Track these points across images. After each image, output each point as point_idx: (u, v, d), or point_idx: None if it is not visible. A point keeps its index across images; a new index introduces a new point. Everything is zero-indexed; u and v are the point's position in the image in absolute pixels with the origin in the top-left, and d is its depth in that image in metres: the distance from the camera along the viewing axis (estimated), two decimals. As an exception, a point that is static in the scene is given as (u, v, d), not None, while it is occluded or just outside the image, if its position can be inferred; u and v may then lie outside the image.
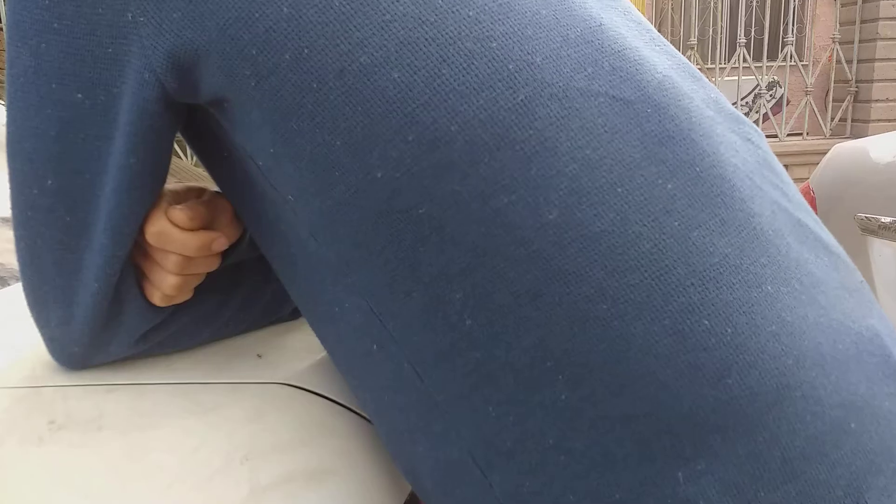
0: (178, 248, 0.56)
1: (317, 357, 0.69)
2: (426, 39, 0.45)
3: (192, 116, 0.53)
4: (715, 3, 4.66)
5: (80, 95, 0.49)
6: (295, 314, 0.75)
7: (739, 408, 0.45)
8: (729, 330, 0.45)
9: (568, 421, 0.46)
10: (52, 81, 0.49)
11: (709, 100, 0.54)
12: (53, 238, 0.54)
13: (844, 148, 1.90)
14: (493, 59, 0.46)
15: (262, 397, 0.63)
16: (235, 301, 0.67)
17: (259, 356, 0.68)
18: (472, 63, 0.45)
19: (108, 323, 0.58)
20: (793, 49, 4.30)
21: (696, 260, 0.46)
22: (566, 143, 0.45)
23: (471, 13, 0.46)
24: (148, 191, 0.53)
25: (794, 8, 4.48)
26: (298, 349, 0.70)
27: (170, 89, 0.48)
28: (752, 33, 4.76)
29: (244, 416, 0.61)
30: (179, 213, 0.55)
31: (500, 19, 0.47)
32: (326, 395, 0.66)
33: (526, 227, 0.45)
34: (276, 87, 0.46)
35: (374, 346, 0.52)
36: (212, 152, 0.56)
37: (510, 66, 0.46)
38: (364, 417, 0.66)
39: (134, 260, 0.57)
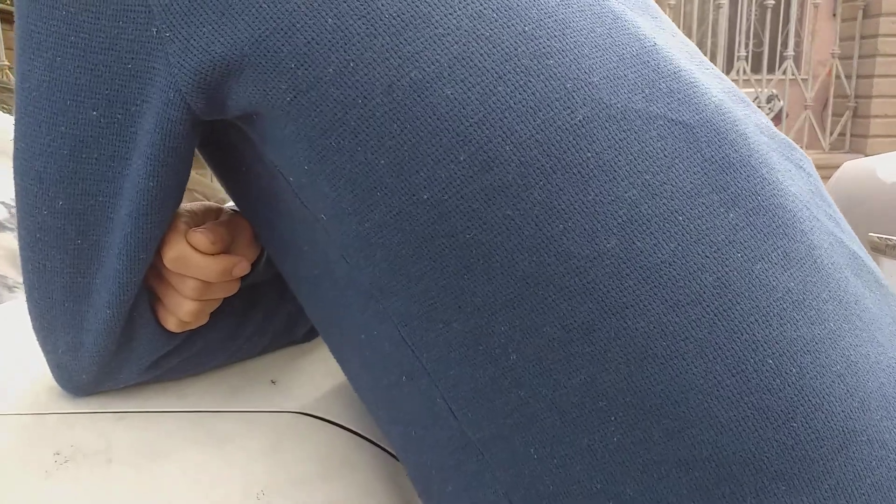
0: (198, 274, 0.53)
1: (334, 383, 0.66)
2: (481, 55, 0.42)
3: (209, 126, 0.49)
4: (714, 15, 4.66)
5: (95, 113, 0.46)
6: (309, 336, 0.72)
7: (805, 453, 0.42)
8: (794, 370, 0.42)
9: (619, 465, 0.43)
10: (67, 97, 0.46)
11: (761, 125, 0.51)
12: (63, 262, 0.50)
13: (852, 166, 1.88)
14: (551, 77, 0.43)
15: (278, 427, 0.60)
16: (251, 324, 0.64)
17: (273, 382, 0.64)
18: (529, 81, 0.42)
19: (118, 349, 0.54)
20: (792, 63, 4.29)
21: (760, 294, 0.43)
22: (625, 168, 0.42)
23: (527, 28, 0.44)
24: (166, 214, 0.50)
25: (794, 22, 4.48)
26: (314, 374, 0.67)
27: (196, 109, 0.45)
28: (751, 46, 4.75)
29: (260, 449, 0.57)
30: (201, 237, 0.52)
31: (556, 36, 0.44)
32: (346, 425, 0.62)
33: (582, 255, 0.42)
34: (316, 102, 0.43)
35: (404, 378, 0.49)
36: (231, 165, 0.53)
37: (567, 85, 0.43)
38: (387, 451, 0.63)
39: (148, 283, 0.54)
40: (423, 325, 0.46)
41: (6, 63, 3.32)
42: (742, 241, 0.43)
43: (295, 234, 0.51)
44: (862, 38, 4.47)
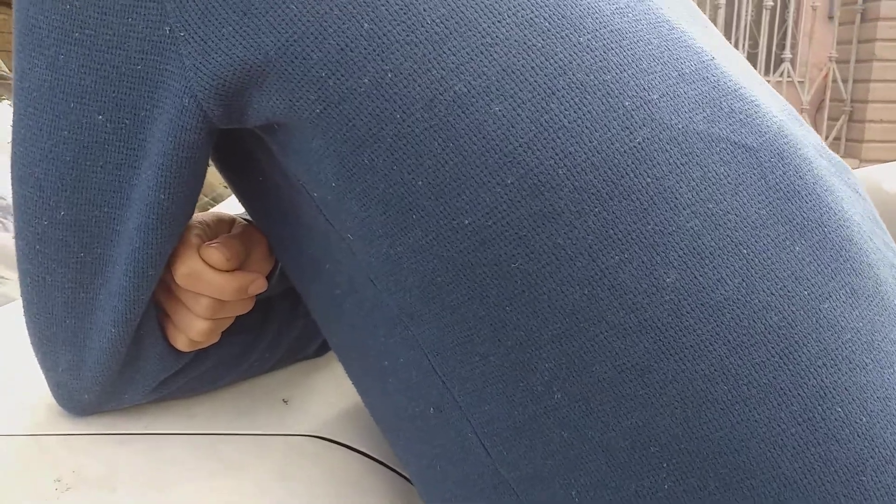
0: (212, 291, 0.49)
1: (348, 403, 0.62)
2: (532, 68, 0.39)
3: (224, 131, 0.46)
4: (711, 15, 4.64)
5: (101, 117, 0.42)
6: (321, 351, 0.68)
7: None
8: (864, 419, 0.39)
9: None
10: (70, 99, 0.42)
11: (818, 146, 0.48)
12: (65, 276, 0.47)
13: (857, 177, 1.86)
14: (608, 93, 0.39)
15: (290, 452, 0.56)
16: (263, 340, 0.60)
17: (285, 401, 0.61)
18: (585, 97, 0.39)
19: (123, 368, 0.51)
20: (789, 65, 4.28)
21: (828, 336, 0.40)
22: (687, 195, 0.39)
23: (582, 39, 0.40)
24: (178, 227, 0.46)
25: (790, 24, 4.47)
26: (327, 393, 0.63)
27: (212, 116, 0.41)
28: (747, 48, 4.74)
29: (272, 474, 0.54)
30: (216, 253, 0.48)
31: (612, 48, 0.40)
32: (361, 449, 0.59)
33: (639, 290, 0.38)
34: (349, 115, 0.39)
35: (431, 409, 0.46)
36: (245, 172, 0.49)
37: (626, 103, 0.39)
38: (403, 475, 0.59)
39: (156, 298, 0.51)
40: (457, 357, 0.43)
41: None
42: (808, 276, 0.40)
43: (315, 250, 0.48)
44: (859, 42, 4.46)
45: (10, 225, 0.93)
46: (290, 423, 0.59)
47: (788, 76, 4.27)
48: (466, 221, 0.39)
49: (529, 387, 0.41)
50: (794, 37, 4.68)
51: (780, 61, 4.31)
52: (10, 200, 0.95)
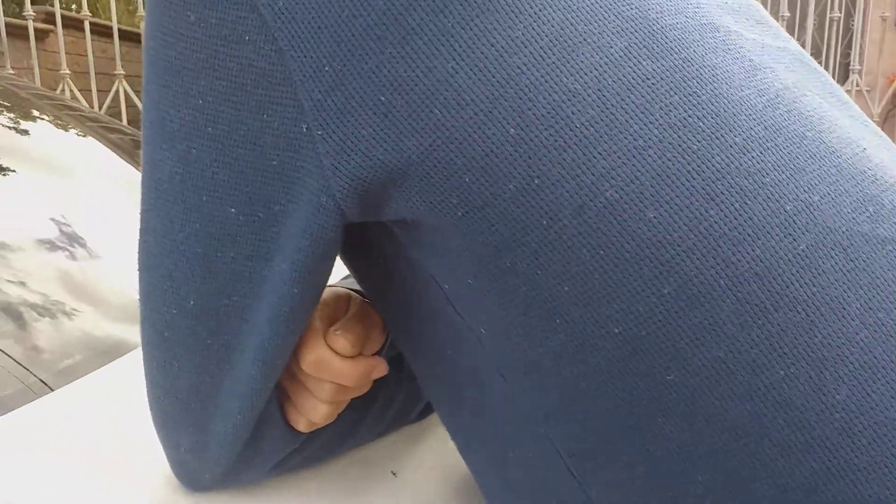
0: (338, 378, 0.48)
1: (457, 478, 0.61)
2: (689, 172, 0.37)
3: None
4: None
5: (233, 210, 0.42)
6: (422, 415, 0.67)
7: None
8: None
9: None
10: (203, 193, 0.42)
11: None
12: (192, 362, 0.47)
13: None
14: (769, 197, 0.37)
15: (404, 530, 0.55)
16: (372, 413, 0.59)
17: (394, 474, 0.60)
18: (746, 203, 0.37)
19: (244, 450, 0.50)
20: (858, 76, 4.17)
21: None
22: (855, 304, 0.37)
23: (738, 140, 0.38)
24: (307, 317, 0.46)
25: (857, 35, 4.34)
26: (435, 466, 0.62)
27: (349, 213, 0.40)
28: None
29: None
30: (343, 342, 0.48)
31: (769, 147, 0.38)
32: (475, 527, 0.58)
33: (806, 407, 0.36)
34: (492, 220, 0.38)
35: None
36: (365, 251, 0.48)
37: (787, 207, 0.37)
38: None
39: (279, 381, 0.50)
40: (599, 461, 0.41)
41: (67, 72, 3.35)
42: None
43: (438, 336, 0.46)
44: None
45: (78, 253, 0.94)
46: (403, 499, 0.58)
47: (857, 86, 4.15)
48: (616, 330, 0.38)
49: (679, 498, 0.39)
50: (860, 47, 4.56)
51: (846, 72, 4.20)
52: (75, 228, 0.96)
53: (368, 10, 0.36)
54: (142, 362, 0.50)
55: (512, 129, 0.37)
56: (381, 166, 0.38)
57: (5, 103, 1.21)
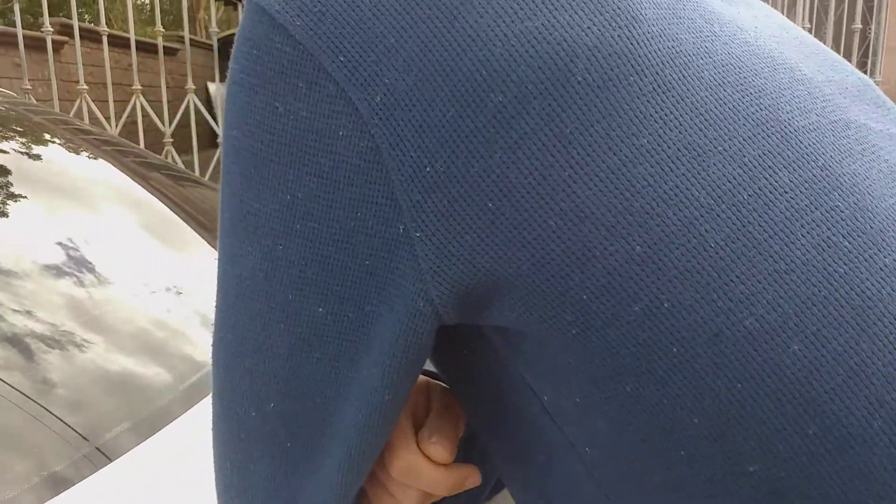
0: (428, 486, 0.45)
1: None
2: (837, 300, 0.33)
3: None
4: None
5: (321, 309, 0.38)
6: (492, 493, 0.63)
7: None
8: None
9: None
10: (289, 291, 0.38)
11: None
12: (271, 465, 0.43)
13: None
14: None
15: None
16: (447, 500, 0.56)
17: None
18: None
19: None
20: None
21: None
22: None
23: (888, 261, 0.34)
24: (395, 421, 0.42)
25: (881, 46, 4.30)
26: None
27: (446, 318, 0.37)
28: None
29: None
30: (440, 450, 0.44)
31: None
32: None
33: None
34: (613, 342, 0.34)
35: None
36: (454, 351, 0.44)
37: None
38: None
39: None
40: None
41: (85, 87, 3.36)
42: None
43: (531, 443, 0.42)
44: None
45: (86, 279, 0.92)
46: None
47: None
48: (752, 469, 0.34)
49: None
50: (881, 56, 4.51)
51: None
52: (83, 252, 0.94)
53: (477, 112, 0.33)
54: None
55: (638, 247, 0.33)
56: (487, 274, 0.35)
57: (18, 128, 1.20)
